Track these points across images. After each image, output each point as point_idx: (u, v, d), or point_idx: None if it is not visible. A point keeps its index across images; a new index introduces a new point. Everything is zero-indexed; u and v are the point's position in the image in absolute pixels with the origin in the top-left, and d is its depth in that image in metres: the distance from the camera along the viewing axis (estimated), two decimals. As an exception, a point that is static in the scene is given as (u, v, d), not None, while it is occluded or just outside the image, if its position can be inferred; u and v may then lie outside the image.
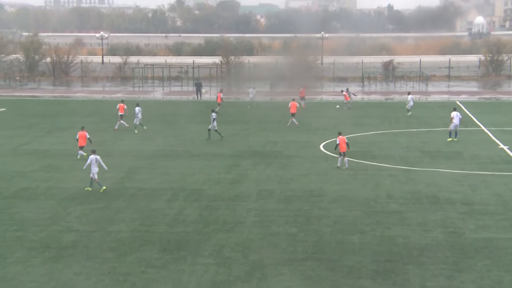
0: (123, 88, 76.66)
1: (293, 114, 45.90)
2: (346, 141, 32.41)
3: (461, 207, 25.69)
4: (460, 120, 40.03)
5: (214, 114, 40.48)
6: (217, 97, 54.09)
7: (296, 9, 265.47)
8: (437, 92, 70.21)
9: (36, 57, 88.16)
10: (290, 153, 36.69)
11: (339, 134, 32.93)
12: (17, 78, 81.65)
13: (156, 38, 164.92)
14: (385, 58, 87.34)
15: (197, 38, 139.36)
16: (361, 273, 19.10)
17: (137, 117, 42.87)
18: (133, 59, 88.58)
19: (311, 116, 50.28)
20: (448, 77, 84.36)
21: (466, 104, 57.32)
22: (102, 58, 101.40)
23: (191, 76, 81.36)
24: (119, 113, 43.99)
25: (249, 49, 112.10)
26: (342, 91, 58.38)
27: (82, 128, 34.96)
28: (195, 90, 65.97)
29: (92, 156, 28.22)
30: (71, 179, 30.28)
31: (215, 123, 40.37)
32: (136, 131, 42.57)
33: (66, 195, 27.32)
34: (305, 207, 25.68)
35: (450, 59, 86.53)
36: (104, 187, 28.21)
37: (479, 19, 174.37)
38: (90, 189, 28.18)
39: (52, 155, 35.94)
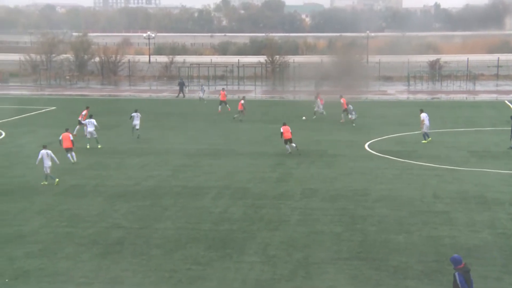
0: (169, 87, 77.27)
1: (345, 110, 46.87)
2: (290, 130, 35.14)
3: (510, 207, 25.17)
4: (429, 120, 39.28)
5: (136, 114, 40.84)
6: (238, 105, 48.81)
7: (341, 8, 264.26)
8: (485, 91, 69.00)
9: (85, 56, 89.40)
10: (334, 152, 36.50)
11: (284, 124, 35.62)
12: (67, 77, 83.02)
13: (202, 38, 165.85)
14: (431, 57, 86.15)
15: (242, 38, 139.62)
16: (407, 273, 18.88)
17: (89, 130, 37.94)
18: (179, 58, 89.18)
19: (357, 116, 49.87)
20: (497, 76, 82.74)
21: (514, 104, 56.19)
22: (149, 57, 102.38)
23: (236, 75, 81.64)
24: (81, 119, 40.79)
25: (294, 49, 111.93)
26: (318, 93, 52.34)
27: (67, 130, 33.93)
28: (178, 89, 66.03)
29: (43, 151, 29.05)
30: (118, 176, 30.68)
31: (137, 121, 40.62)
32: (99, 146, 37.86)
33: (113, 192, 27.68)
34: (349, 206, 25.51)
35: (498, 57, 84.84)
36: (57, 180, 28.95)
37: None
38: (46, 183, 28.92)
39: (99, 153, 36.45)
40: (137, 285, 18.10)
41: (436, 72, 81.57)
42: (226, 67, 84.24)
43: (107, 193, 27.67)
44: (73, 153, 33.43)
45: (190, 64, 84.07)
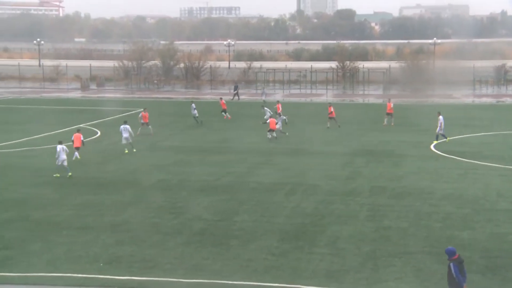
0: (247, 90, 77.85)
1: (389, 114, 45.96)
2: (276, 122, 40.30)
3: None
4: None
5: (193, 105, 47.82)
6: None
7: (409, 16, 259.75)
8: (549, 95, 66.29)
9: (172, 63, 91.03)
10: (401, 152, 35.91)
11: (271, 117, 41.38)
12: (155, 81, 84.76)
13: (278, 45, 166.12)
14: (497, 63, 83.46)
15: (315, 45, 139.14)
16: (470, 267, 18.34)
17: (124, 136, 36.09)
18: (256, 64, 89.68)
19: (423, 118, 48.92)
20: (561, 80, 79.34)
21: None
22: (229, 63, 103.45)
23: (309, 80, 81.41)
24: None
25: (364, 55, 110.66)
26: (329, 104, 47.20)
27: (78, 131, 34.08)
28: (233, 92, 67.01)
29: (60, 146, 29.90)
30: (200, 172, 31.10)
31: (195, 111, 47.08)
32: (126, 151, 36.12)
33: (195, 187, 28.08)
34: (415, 203, 25.05)
35: None
36: (70, 173, 29.84)
37: None
38: (58, 175, 29.89)
39: (184, 151, 37.09)
40: (217, 272, 18.31)
41: (501, 76, 78.95)
42: (300, 72, 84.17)
43: (190, 187, 28.10)
44: (77, 153, 33.26)
45: (266, 69, 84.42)
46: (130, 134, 36.32)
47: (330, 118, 45.15)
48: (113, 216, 23.66)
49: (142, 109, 44.24)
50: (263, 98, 61.86)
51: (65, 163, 30.00)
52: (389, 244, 20.44)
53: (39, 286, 17.47)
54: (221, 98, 53.11)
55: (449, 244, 20.21)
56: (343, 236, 21.23)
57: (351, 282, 17.55)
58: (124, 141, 36.13)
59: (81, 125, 45.49)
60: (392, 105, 46.48)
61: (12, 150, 37.24)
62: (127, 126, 36.31)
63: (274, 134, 39.88)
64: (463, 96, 67.95)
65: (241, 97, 68.92)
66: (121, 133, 36.31)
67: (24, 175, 30.38)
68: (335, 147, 37.80)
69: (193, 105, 47.88)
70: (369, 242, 20.64)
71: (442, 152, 35.49)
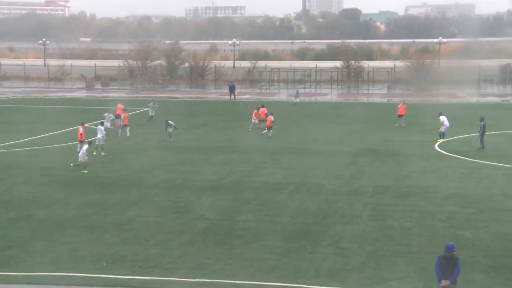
0: (252, 90, 77.88)
1: (400, 116, 45.53)
2: (272, 119, 40.57)
3: None
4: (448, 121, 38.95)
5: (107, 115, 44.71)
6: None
7: (414, 15, 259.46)
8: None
9: (176, 62, 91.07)
10: (405, 151, 35.85)
11: (271, 114, 41.32)
12: (160, 81, 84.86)
13: (283, 44, 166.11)
14: (503, 62, 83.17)
15: (320, 44, 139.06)
16: (474, 267, 18.36)
17: (98, 137, 35.70)
18: (261, 63, 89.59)
19: (427, 117, 48.81)
20: None
21: None
22: (234, 63, 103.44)
23: (314, 79, 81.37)
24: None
25: (369, 54, 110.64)
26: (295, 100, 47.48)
27: (82, 124, 35.55)
28: (229, 91, 67.15)
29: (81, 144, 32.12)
30: (204, 172, 31.11)
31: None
32: (102, 153, 35.33)
33: (199, 186, 28.08)
34: (419, 203, 25.01)
35: None
36: (72, 164, 31.33)
37: None
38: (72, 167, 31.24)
39: (187, 150, 37.10)
40: (219, 271, 18.32)
41: (507, 75, 78.72)
42: (305, 71, 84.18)
43: (194, 187, 28.10)
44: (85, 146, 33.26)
45: (271, 69, 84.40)
46: (103, 136, 35.74)
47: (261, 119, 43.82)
48: (117, 216, 23.69)
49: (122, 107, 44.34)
50: (297, 100, 58.29)
51: (81, 160, 30.94)
52: (392, 243, 20.42)
53: (42, 286, 17.52)
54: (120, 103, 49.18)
55: (453, 243, 20.19)
56: (346, 235, 21.22)
57: (354, 282, 17.54)
58: (96, 142, 35.68)
59: (86, 125, 45.63)
60: (405, 106, 46.20)
61: (17, 149, 37.33)
62: (102, 128, 36.24)
63: (267, 131, 40.81)
64: (468, 96, 67.79)
65: (246, 96, 68.95)
66: (96, 134, 35.97)
67: (29, 175, 30.47)
68: (339, 146, 37.76)
69: (155, 104, 49.51)
70: (372, 241, 20.62)
71: (446, 152, 35.42)
